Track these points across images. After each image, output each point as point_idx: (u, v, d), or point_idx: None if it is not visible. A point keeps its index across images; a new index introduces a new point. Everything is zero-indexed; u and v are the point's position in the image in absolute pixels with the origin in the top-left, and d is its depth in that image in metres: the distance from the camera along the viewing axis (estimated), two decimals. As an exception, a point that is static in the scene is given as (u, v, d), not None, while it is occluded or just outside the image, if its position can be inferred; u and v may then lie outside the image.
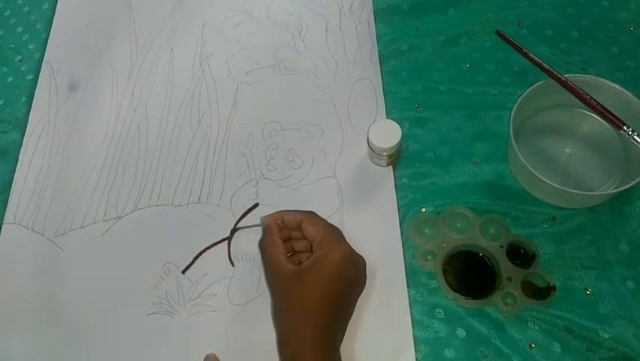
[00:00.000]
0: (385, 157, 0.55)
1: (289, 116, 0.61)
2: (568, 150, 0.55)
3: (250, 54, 0.65)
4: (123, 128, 0.62)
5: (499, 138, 0.57)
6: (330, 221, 0.54)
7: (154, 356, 0.51)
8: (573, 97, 0.53)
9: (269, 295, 0.51)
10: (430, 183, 0.56)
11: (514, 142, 0.51)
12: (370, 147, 0.54)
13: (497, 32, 0.57)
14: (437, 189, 0.56)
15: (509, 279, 0.50)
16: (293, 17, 0.67)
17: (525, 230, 0.52)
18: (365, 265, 0.49)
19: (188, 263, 0.54)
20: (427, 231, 0.53)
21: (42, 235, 0.57)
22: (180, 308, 0.52)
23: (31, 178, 0.60)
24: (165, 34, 0.68)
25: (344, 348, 0.49)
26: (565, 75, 0.53)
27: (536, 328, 0.48)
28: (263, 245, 0.49)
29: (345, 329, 0.47)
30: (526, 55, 0.55)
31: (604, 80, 0.53)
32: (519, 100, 0.52)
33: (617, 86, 0.52)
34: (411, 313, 0.50)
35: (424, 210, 0.55)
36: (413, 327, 0.49)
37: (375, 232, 0.54)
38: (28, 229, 0.57)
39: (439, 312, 0.50)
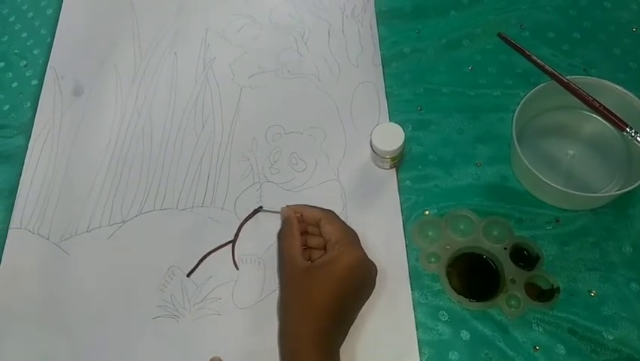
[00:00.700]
0: (388, 160, 0.55)
1: (292, 119, 0.61)
2: (571, 152, 0.55)
3: (253, 58, 0.66)
4: (127, 133, 0.63)
5: (501, 140, 0.57)
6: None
7: (159, 359, 0.51)
8: (575, 99, 0.53)
9: (274, 295, 0.51)
10: (433, 185, 0.56)
11: (516, 144, 0.51)
12: (373, 150, 0.54)
13: (499, 35, 0.57)
14: (440, 191, 0.56)
15: (513, 281, 0.50)
16: (295, 21, 0.68)
17: (528, 232, 0.53)
18: (376, 272, 0.49)
19: (192, 267, 0.54)
20: (430, 233, 0.53)
21: (48, 239, 0.57)
22: (185, 312, 0.52)
23: (36, 183, 0.61)
24: (169, 38, 0.68)
25: (348, 350, 0.49)
26: (567, 77, 0.53)
27: (540, 330, 0.49)
28: (281, 235, 0.50)
29: (347, 332, 0.48)
30: (528, 57, 0.55)
31: (606, 82, 0.53)
32: (521, 102, 0.53)
33: (620, 88, 0.52)
34: (415, 316, 0.50)
35: (427, 212, 0.55)
36: (417, 329, 0.50)
37: (379, 234, 0.54)
38: (34, 233, 0.58)
39: (443, 314, 0.50)
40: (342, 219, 0.55)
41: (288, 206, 0.52)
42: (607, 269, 0.51)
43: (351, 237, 0.49)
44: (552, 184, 0.49)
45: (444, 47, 0.64)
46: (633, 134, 0.50)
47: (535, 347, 0.48)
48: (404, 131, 0.53)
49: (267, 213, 0.56)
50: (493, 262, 0.51)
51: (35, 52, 0.70)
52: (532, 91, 0.53)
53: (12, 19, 0.73)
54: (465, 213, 0.54)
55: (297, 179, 0.58)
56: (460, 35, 0.64)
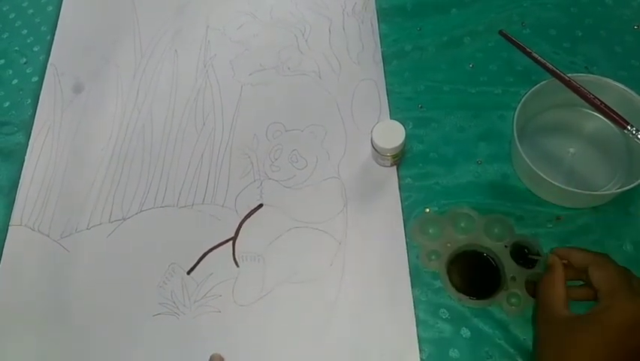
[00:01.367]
0: (389, 157, 0.55)
1: (293, 117, 0.61)
2: (572, 150, 0.55)
3: (254, 55, 0.66)
4: (128, 130, 0.63)
5: (502, 137, 0.57)
6: (333, 222, 0.55)
7: (159, 356, 0.51)
8: (577, 96, 0.53)
9: (274, 293, 0.51)
10: (434, 183, 0.56)
11: (517, 142, 0.51)
12: (374, 148, 0.54)
13: (500, 32, 0.57)
14: (441, 189, 0.56)
15: (514, 279, 0.50)
16: (296, 18, 0.68)
17: (529, 230, 0.52)
18: None
19: (193, 264, 0.54)
20: (431, 231, 0.53)
21: (48, 236, 0.57)
22: (185, 309, 0.52)
23: (37, 180, 0.60)
24: (169, 35, 0.68)
25: (348, 347, 0.49)
26: (568, 74, 0.53)
27: (541, 328, 0.48)
28: (543, 283, 0.44)
29: None
30: (529, 54, 0.55)
31: (608, 80, 0.53)
32: (522, 99, 0.52)
33: (621, 85, 0.52)
34: (415, 313, 0.50)
35: (428, 210, 0.55)
36: (417, 327, 0.49)
37: (380, 232, 0.54)
38: (34, 230, 0.58)
39: (444, 312, 0.50)
40: (343, 216, 0.55)
41: (555, 250, 0.46)
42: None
43: (629, 285, 0.39)
44: (553, 182, 0.49)
45: (445, 45, 0.64)
46: (634, 132, 0.50)
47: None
48: (405, 128, 0.53)
49: (267, 211, 0.56)
50: (493, 260, 0.51)
51: (36, 49, 0.70)
52: (533, 89, 0.53)
53: (12, 16, 0.73)
54: (466, 210, 0.54)
55: (298, 176, 0.58)
56: (461, 33, 0.64)
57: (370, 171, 0.57)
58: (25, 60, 0.69)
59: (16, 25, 0.72)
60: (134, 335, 0.52)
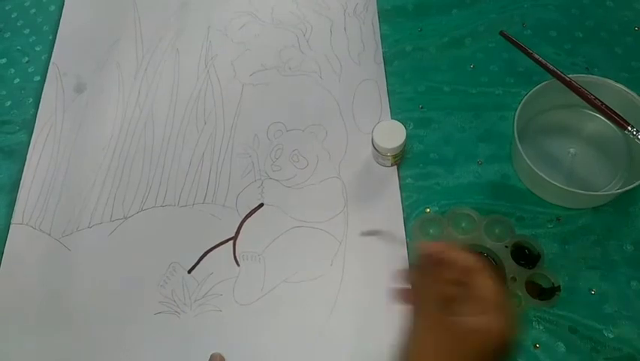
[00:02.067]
0: (390, 157, 0.55)
1: (294, 116, 0.61)
2: (572, 150, 0.55)
3: (255, 55, 0.66)
4: (129, 129, 0.63)
5: (503, 138, 0.57)
6: (334, 221, 0.55)
7: (160, 355, 0.51)
8: (577, 97, 0.53)
9: (275, 292, 0.51)
10: (434, 183, 0.56)
11: (518, 142, 0.51)
12: (375, 148, 0.54)
13: (501, 33, 0.57)
14: (441, 189, 0.56)
15: (514, 279, 0.50)
16: (297, 19, 0.68)
17: (530, 230, 0.52)
18: (514, 344, 0.39)
19: (193, 263, 0.54)
20: (431, 231, 0.53)
21: (49, 235, 0.57)
22: (186, 308, 0.53)
23: (38, 179, 0.61)
24: (171, 35, 0.68)
25: (348, 347, 0.49)
26: (569, 75, 0.53)
27: (541, 328, 0.49)
28: (415, 273, 0.43)
29: None
30: (530, 55, 0.55)
31: (608, 80, 0.53)
32: (523, 100, 0.53)
33: (622, 87, 0.52)
34: (415, 313, 0.50)
35: (428, 210, 0.55)
36: (418, 327, 0.49)
37: (380, 232, 0.54)
38: (35, 229, 0.58)
39: (444, 312, 0.50)
40: (344, 216, 0.55)
41: (429, 243, 0.42)
42: (607, 267, 0.51)
43: (502, 297, 0.39)
44: (553, 182, 0.49)
45: (446, 45, 0.64)
46: (635, 132, 0.50)
47: (535, 344, 0.48)
48: (405, 128, 0.53)
49: (267, 211, 0.56)
50: (494, 260, 0.51)
51: (38, 48, 0.70)
52: (534, 89, 0.53)
53: (14, 15, 0.73)
54: (466, 211, 0.54)
55: (299, 176, 0.58)
56: (462, 34, 0.64)
57: (371, 171, 0.57)
58: (27, 59, 0.69)
59: (19, 24, 0.72)
60: (134, 334, 0.52)
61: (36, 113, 0.65)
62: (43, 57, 0.69)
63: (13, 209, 0.59)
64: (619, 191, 0.50)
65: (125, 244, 0.56)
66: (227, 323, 0.52)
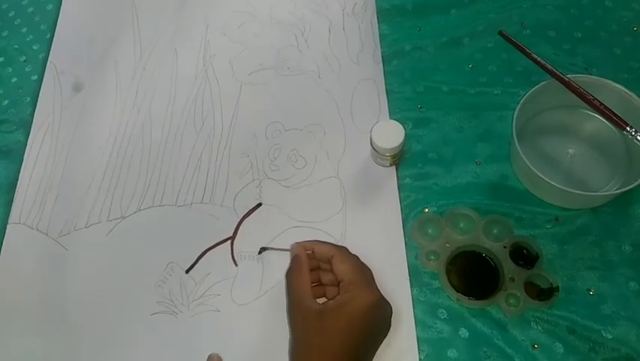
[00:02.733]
0: (388, 157, 0.55)
1: (292, 116, 0.61)
2: (571, 151, 0.55)
3: (253, 55, 0.66)
4: (127, 129, 0.62)
5: (501, 138, 0.57)
6: (332, 221, 0.55)
7: (157, 355, 0.51)
8: (576, 97, 0.53)
9: (273, 292, 0.51)
10: (432, 183, 0.56)
11: (517, 143, 0.51)
12: (373, 148, 0.54)
13: (500, 33, 0.57)
14: (440, 189, 0.56)
15: (512, 280, 0.50)
16: (296, 18, 0.68)
17: (528, 231, 0.52)
18: (392, 312, 0.47)
19: (191, 263, 0.54)
20: (430, 231, 0.53)
21: (47, 234, 0.57)
22: (184, 308, 0.52)
23: (35, 178, 0.60)
24: (169, 35, 0.68)
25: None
26: (568, 75, 0.53)
27: (539, 328, 0.48)
28: (290, 276, 0.48)
29: None
30: (529, 55, 0.55)
31: (607, 81, 0.53)
32: (522, 100, 0.52)
33: (621, 87, 0.52)
34: (414, 314, 0.50)
35: (426, 210, 0.55)
36: (416, 327, 0.49)
37: (378, 231, 0.54)
38: (32, 228, 0.58)
39: (442, 312, 0.50)
40: (342, 216, 0.55)
41: (297, 243, 0.49)
42: (606, 268, 0.51)
43: (365, 276, 0.46)
44: (552, 183, 0.49)
45: (444, 45, 0.64)
46: (633, 133, 0.50)
47: (533, 345, 0.48)
48: (404, 128, 0.53)
49: (265, 211, 0.56)
50: (492, 261, 0.51)
51: (35, 47, 0.70)
52: (533, 89, 0.53)
53: (12, 14, 0.73)
54: (465, 211, 0.53)
55: (297, 176, 0.58)
56: (460, 33, 0.64)
57: (369, 170, 0.57)
58: (24, 58, 0.69)
59: (16, 23, 0.72)
60: (132, 334, 0.52)
61: (33, 112, 0.65)
62: (40, 56, 0.69)
63: (10, 209, 0.59)
64: (617, 191, 0.50)
65: (123, 243, 0.56)
66: (225, 323, 0.51)
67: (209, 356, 0.49)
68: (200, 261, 0.54)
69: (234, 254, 0.54)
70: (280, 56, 0.65)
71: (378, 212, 0.55)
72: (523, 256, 0.51)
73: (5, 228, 0.58)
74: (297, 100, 0.62)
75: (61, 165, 0.61)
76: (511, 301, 0.49)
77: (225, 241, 0.55)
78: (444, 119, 0.59)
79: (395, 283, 0.51)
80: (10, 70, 0.68)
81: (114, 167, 0.60)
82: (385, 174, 0.57)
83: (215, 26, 0.68)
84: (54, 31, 0.70)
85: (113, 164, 0.60)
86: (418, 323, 0.50)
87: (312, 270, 0.48)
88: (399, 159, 0.56)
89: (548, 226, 0.53)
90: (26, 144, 0.63)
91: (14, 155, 0.62)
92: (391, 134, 0.53)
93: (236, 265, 0.54)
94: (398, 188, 0.56)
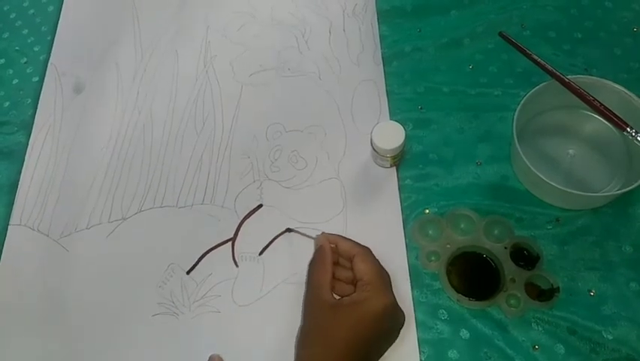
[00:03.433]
0: (389, 158, 0.55)
1: (293, 117, 0.61)
2: (571, 152, 0.55)
3: (254, 56, 0.66)
4: (128, 130, 0.63)
5: (502, 139, 0.57)
6: (333, 222, 0.55)
7: (158, 356, 0.51)
8: (576, 98, 0.53)
9: (274, 293, 0.51)
10: (433, 184, 0.56)
11: (517, 143, 0.51)
12: (374, 149, 0.54)
13: (500, 34, 0.57)
14: (440, 190, 0.56)
15: (513, 280, 0.50)
16: (296, 19, 0.68)
17: (529, 231, 0.52)
18: (404, 320, 0.47)
19: (192, 264, 0.54)
20: (430, 232, 0.53)
21: (48, 236, 0.57)
22: (185, 309, 0.52)
23: (36, 179, 0.60)
24: (170, 36, 0.68)
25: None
26: (568, 76, 0.53)
27: (540, 329, 0.49)
28: (313, 266, 0.48)
29: None
30: (529, 56, 0.55)
31: (607, 82, 0.53)
32: (522, 101, 0.53)
33: (621, 88, 0.52)
34: (414, 315, 0.50)
35: (427, 211, 0.55)
36: (417, 328, 0.49)
37: (379, 232, 0.54)
38: (34, 230, 0.58)
39: (443, 313, 0.50)
40: (343, 217, 0.55)
41: (323, 234, 0.50)
42: (607, 269, 0.51)
43: (383, 280, 0.46)
44: (552, 183, 0.49)
45: (445, 46, 0.64)
46: (634, 133, 0.50)
47: (534, 346, 0.48)
48: (404, 129, 0.53)
49: (266, 211, 0.56)
50: (493, 262, 0.51)
51: (36, 49, 0.70)
52: (533, 90, 0.53)
53: (13, 15, 0.73)
54: (465, 212, 0.54)
55: (298, 177, 0.58)
56: (461, 34, 0.64)
57: (370, 171, 0.57)
58: (25, 60, 0.69)
59: (17, 25, 0.72)
60: (133, 335, 0.52)
61: (34, 113, 0.65)
62: (41, 57, 0.69)
63: (11, 210, 0.59)
64: (618, 192, 0.50)
65: (124, 245, 0.56)
66: (226, 324, 0.51)
67: (210, 357, 0.49)
68: (201, 262, 0.54)
69: (235, 255, 0.55)
70: (281, 57, 0.65)
71: (378, 213, 0.55)
72: (524, 256, 0.51)
73: (6, 229, 0.58)
74: (298, 101, 0.62)
75: (63, 166, 0.61)
76: (512, 301, 0.49)
77: (226, 242, 0.55)
78: (444, 120, 0.59)
79: (396, 284, 0.51)
80: (11, 71, 0.68)
81: (115, 168, 0.60)
82: (386, 175, 0.57)
83: (215, 27, 0.68)
84: (55, 32, 0.70)
85: (114, 165, 0.60)
86: (419, 324, 0.50)
87: (328, 264, 0.48)
88: (399, 159, 0.56)
89: (549, 227, 0.53)
90: (27, 145, 0.63)
91: (15, 156, 0.62)
92: (392, 135, 0.53)
93: (237, 266, 0.54)
94: (399, 189, 0.56)
